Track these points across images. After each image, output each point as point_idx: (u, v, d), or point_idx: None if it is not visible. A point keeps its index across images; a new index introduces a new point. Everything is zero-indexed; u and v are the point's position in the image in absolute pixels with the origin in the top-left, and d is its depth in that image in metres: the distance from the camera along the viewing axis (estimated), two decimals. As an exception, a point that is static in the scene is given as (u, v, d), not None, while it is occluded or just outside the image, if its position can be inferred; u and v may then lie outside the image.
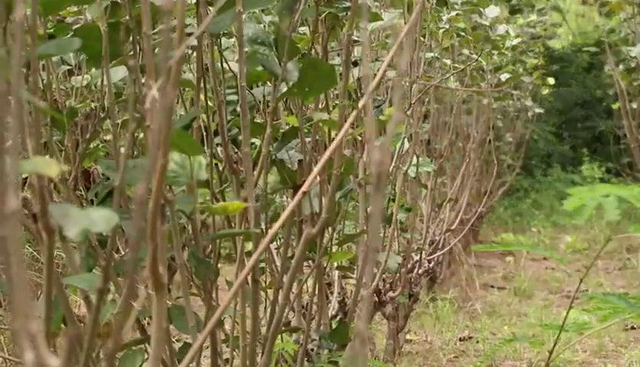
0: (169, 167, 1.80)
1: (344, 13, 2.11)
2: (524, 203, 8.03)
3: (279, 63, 1.88)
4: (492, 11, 4.02)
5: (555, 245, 6.54)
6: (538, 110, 6.44)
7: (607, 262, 6.01)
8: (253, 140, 2.36)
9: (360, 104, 1.77)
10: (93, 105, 2.32)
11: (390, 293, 3.43)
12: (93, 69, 2.90)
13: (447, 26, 3.38)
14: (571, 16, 8.23)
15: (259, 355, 2.14)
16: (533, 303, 5.02)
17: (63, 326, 1.90)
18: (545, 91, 6.09)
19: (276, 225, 1.68)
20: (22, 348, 0.80)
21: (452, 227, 4.37)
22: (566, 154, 8.88)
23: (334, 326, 2.72)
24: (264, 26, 2.22)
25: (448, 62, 3.72)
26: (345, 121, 2.05)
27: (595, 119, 8.68)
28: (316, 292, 2.52)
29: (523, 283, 5.40)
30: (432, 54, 3.31)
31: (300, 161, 2.41)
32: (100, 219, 1.26)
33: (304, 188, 1.70)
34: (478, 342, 4.24)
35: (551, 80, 5.21)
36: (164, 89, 1.39)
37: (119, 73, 2.21)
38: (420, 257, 3.67)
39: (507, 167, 6.68)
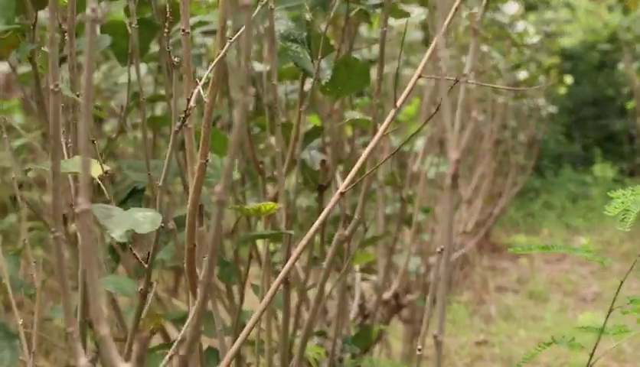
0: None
1: (373, 10, 2.05)
2: (535, 204, 7.93)
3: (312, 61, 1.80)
4: (511, 7, 3.94)
5: (568, 247, 6.43)
6: (552, 109, 6.35)
7: (623, 264, 5.91)
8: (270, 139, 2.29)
9: (399, 102, 1.70)
10: (113, 103, 2.25)
11: (408, 296, 3.35)
12: (103, 67, 2.84)
13: (467, 22, 3.30)
14: (581, 13, 8.13)
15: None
16: (549, 306, 4.93)
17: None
18: (562, 90, 6.00)
19: (313, 227, 1.61)
20: (107, 352, 0.74)
21: (468, 229, 4.29)
22: (577, 154, 8.79)
23: (354, 330, 2.65)
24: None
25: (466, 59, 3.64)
26: (376, 120, 1.97)
27: (607, 118, 8.59)
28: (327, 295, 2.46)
29: (537, 286, 5.31)
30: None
31: (322, 161, 2.34)
32: (145, 219, 1.19)
33: (341, 189, 1.63)
34: (494, 346, 4.17)
35: (568, 79, 5.12)
36: (210, 90, 1.30)
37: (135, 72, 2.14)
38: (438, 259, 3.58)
39: (520, 168, 6.59)
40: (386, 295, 2.96)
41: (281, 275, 1.60)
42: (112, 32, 1.81)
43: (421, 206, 3.19)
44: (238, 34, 1.25)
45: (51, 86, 0.95)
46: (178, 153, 1.64)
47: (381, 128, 1.68)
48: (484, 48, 3.93)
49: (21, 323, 1.49)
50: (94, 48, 0.76)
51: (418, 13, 2.31)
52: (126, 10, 1.96)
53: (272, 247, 2.20)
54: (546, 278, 5.55)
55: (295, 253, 1.52)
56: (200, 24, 2.29)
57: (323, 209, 2.25)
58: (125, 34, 1.89)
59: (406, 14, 2.23)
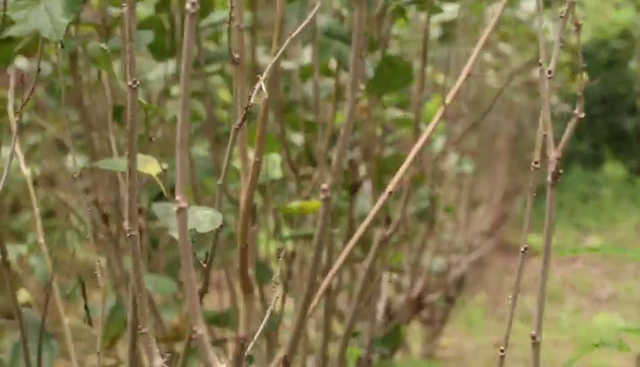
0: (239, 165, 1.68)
1: (408, 6, 2.02)
2: (545, 204, 7.85)
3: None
4: (529, 3, 3.91)
5: (579, 247, 6.41)
6: (566, 108, 6.30)
7: (636, 265, 5.88)
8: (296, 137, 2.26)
9: (448, 99, 1.66)
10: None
11: (430, 297, 3.32)
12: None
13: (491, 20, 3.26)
14: (589, 11, 8.10)
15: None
16: (564, 307, 4.90)
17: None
18: (575, 88, 5.96)
19: (360, 228, 1.57)
20: (204, 352, 0.71)
21: (486, 228, 4.26)
22: (586, 152, 8.74)
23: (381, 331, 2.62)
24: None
25: (488, 57, 3.61)
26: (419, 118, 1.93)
27: (617, 116, 8.54)
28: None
29: (552, 287, 5.27)
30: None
31: (351, 160, 2.30)
32: (205, 218, 1.15)
33: (390, 188, 1.59)
34: (512, 347, 4.13)
35: (584, 77, 5.07)
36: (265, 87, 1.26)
37: (160, 68, 2.11)
38: (458, 259, 3.56)
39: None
40: (411, 295, 2.93)
41: (327, 279, 1.57)
42: (149, 28, 1.78)
43: (444, 206, 3.16)
44: (298, 30, 1.21)
45: (129, 83, 0.92)
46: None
47: (429, 127, 1.65)
48: (505, 46, 3.89)
49: (67, 322, 1.45)
50: (191, 42, 0.72)
51: (450, 10, 2.29)
52: (157, 6, 1.93)
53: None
54: (560, 279, 5.51)
55: (341, 256, 1.49)
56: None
57: (354, 209, 2.23)
58: (162, 29, 1.86)
59: (440, 11, 2.20)
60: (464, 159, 3.35)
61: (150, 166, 1.20)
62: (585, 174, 8.57)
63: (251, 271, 1.50)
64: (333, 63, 2.11)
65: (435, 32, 3.43)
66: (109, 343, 1.81)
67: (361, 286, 1.77)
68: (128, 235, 0.95)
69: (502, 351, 0.93)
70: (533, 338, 0.93)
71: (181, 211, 0.74)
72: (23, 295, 1.98)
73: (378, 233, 1.78)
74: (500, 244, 5.66)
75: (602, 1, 7.96)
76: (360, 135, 2.44)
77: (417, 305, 3.31)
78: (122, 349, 1.98)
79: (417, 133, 1.87)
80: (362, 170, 2.39)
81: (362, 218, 2.36)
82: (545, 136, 0.93)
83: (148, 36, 1.62)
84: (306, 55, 2.23)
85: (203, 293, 1.24)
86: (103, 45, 1.08)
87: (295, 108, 2.15)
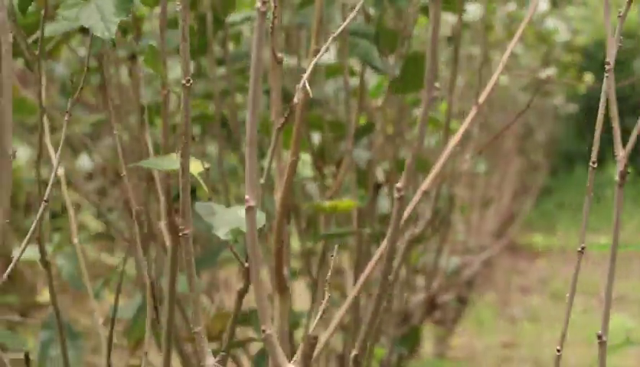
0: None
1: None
2: (549, 203, 7.89)
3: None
4: (540, 3, 3.91)
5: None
6: (572, 108, 6.32)
7: (643, 264, 5.89)
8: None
9: (481, 99, 1.66)
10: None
11: (443, 297, 3.32)
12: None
13: (505, 20, 3.26)
14: (593, 11, 8.10)
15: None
16: (573, 307, 4.88)
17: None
18: (582, 88, 5.96)
19: (389, 231, 1.56)
20: (273, 351, 0.71)
21: (496, 229, 4.26)
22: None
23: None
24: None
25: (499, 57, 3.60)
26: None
27: (620, 117, 8.48)
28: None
29: (559, 286, 5.28)
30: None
31: (369, 160, 2.30)
32: (250, 217, 1.15)
33: (424, 187, 1.59)
34: (521, 347, 4.14)
35: (588, 77, 5.09)
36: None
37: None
38: (470, 259, 3.56)
39: (537, 167, 6.55)
40: (426, 295, 2.93)
41: (360, 281, 1.56)
42: (176, 27, 1.77)
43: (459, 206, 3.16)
44: (339, 31, 1.20)
45: (183, 81, 0.92)
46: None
47: (462, 127, 1.64)
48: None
49: (101, 322, 1.45)
50: (261, 41, 0.72)
51: (473, 9, 2.29)
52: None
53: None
54: (567, 279, 5.49)
55: (373, 259, 1.48)
56: (250, 19, 2.25)
57: (375, 208, 2.22)
58: (190, 29, 1.85)
59: (463, 11, 2.19)
60: (478, 159, 3.35)
61: (192, 165, 1.20)
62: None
63: (286, 271, 1.50)
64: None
65: (444, 31, 3.43)
66: (134, 344, 1.80)
67: (389, 285, 1.76)
68: (181, 234, 0.95)
69: (559, 351, 0.92)
70: (599, 337, 0.92)
71: (251, 210, 0.73)
72: (45, 295, 1.97)
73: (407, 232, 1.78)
74: (507, 244, 5.66)
75: (602, 1, 7.95)
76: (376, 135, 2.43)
77: (431, 305, 3.31)
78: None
79: (447, 133, 1.87)
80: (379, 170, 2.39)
81: (381, 218, 2.36)
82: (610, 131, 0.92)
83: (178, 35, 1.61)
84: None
85: (244, 293, 1.23)
86: (153, 43, 1.07)
87: (314, 107, 2.15)
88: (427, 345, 3.75)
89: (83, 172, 2.72)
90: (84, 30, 1.63)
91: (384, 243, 1.50)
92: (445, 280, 3.20)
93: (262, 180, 1.23)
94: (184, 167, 0.94)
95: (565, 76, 4.62)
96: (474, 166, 3.37)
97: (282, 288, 1.44)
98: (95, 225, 3.19)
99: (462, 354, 4.04)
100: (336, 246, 2.07)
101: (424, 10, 1.97)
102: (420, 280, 2.86)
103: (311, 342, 0.77)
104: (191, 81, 0.94)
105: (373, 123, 2.24)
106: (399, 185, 0.71)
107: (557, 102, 6.12)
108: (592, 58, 8.48)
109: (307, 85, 1.19)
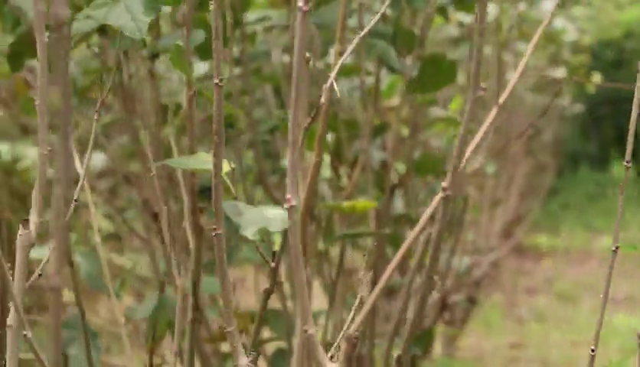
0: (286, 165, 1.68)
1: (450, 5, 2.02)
2: (553, 204, 7.87)
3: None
4: (548, 3, 3.90)
5: (590, 247, 6.41)
6: (578, 109, 6.31)
7: (650, 265, 5.87)
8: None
9: (501, 99, 1.65)
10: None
11: (454, 297, 3.32)
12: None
13: (516, 20, 3.26)
14: (596, 10, 8.09)
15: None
16: (580, 308, 4.90)
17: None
18: (590, 88, 5.95)
19: (416, 228, 1.56)
20: (314, 351, 0.70)
21: (504, 229, 4.26)
22: (593, 153, 8.73)
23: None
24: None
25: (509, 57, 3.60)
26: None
27: (624, 117, 8.46)
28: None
29: (566, 287, 5.27)
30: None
31: (383, 161, 2.29)
32: (276, 217, 1.15)
33: (444, 185, 1.58)
34: (528, 348, 4.13)
35: (597, 77, 5.07)
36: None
37: (200, 68, 2.10)
38: (479, 260, 3.56)
39: (544, 167, 6.54)
40: (438, 296, 2.93)
41: (382, 282, 1.56)
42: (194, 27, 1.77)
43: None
44: (366, 30, 1.20)
45: (215, 81, 0.92)
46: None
47: (483, 127, 1.64)
48: (524, 46, 3.88)
49: (123, 321, 1.45)
50: (304, 41, 0.72)
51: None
52: (201, 4, 1.92)
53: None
54: (573, 280, 5.51)
55: (398, 254, 1.48)
56: (264, 19, 2.25)
57: (390, 209, 2.22)
58: (207, 28, 1.85)
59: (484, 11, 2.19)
60: (488, 160, 3.34)
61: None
62: (592, 175, 8.56)
63: (308, 271, 1.50)
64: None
65: (453, 32, 3.43)
66: (153, 344, 1.79)
67: (407, 286, 1.76)
68: (214, 233, 0.94)
69: (593, 350, 0.92)
70: (640, 337, 0.92)
71: (292, 209, 0.73)
72: (66, 295, 1.97)
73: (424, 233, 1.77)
74: (513, 245, 5.65)
75: (605, 0, 7.96)
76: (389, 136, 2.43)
77: (442, 305, 3.31)
78: (167, 350, 1.97)
79: (466, 133, 1.86)
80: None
81: (395, 219, 2.36)
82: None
83: (199, 35, 1.61)
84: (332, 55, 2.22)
85: (270, 292, 1.23)
86: (179, 42, 1.07)
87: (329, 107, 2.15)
88: (436, 346, 3.75)
89: (94, 171, 2.72)
90: (101, 31, 1.63)
91: (405, 243, 1.50)
92: (456, 280, 3.20)
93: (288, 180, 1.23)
94: (217, 166, 0.93)
95: (573, 76, 4.61)
96: (483, 167, 3.37)
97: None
98: (105, 225, 3.18)
99: (470, 354, 4.04)
100: (347, 246, 2.07)
101: (441, 10, 1.98)
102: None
103: (353, 341, 0.76)
104: (224, 81, 0.93)
105: (388, 123, 2.24)
106: (444, 184, 0.71)
107: (564, 103, 6.11)
108: (597, 58, 8.47)
109: (335, 85, 1.19)
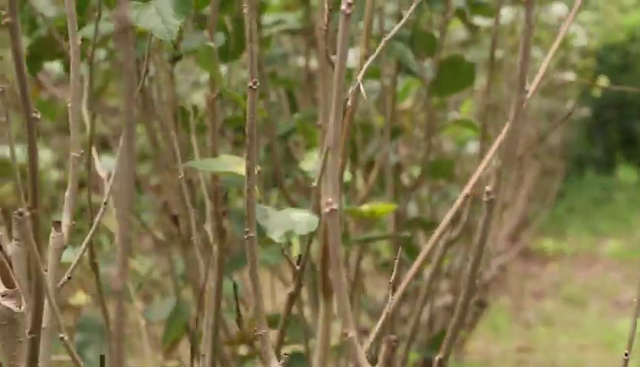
0: (309, 167, 1.68)
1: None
2: (559, 208, 7.86)
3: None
4: (558, 8, 3.90)
5: (596, 251, 6.40)
6: (585, 112, 6.31)
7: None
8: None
9: (527, 97, 1.65)
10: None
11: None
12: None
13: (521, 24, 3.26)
14: (601, 14, 8.09)
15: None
16: (587, 312, 4.89)
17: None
18: (596, 92, 5.96)
19: (437, 231, 1.56)
20: (355, 354, 0.70)
21: (511, 233, 4.26)
22: (598, 157, 8.73)
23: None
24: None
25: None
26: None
27: (629, 121, 8.52)
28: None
29: (572, 291, 5.26)
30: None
31: (397, 163, 2.29)
32: (301, 220, 1.15)
33: (466, 191, 1.58)
34: (536, 352, 4.13)
35: (603, 81, 5.07)
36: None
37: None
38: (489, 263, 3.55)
39: (552, 171, 6.54)
40: (449, 299, 2.93)
41: (404, 285, 1.56)
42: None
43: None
44: (394, 31, 1.20)
45: (250, 83, 0.92)
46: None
47: (505, 129, 1.64)
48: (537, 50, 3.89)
49: (144, 324, 1.45)
50: (345, 44, 0.72)
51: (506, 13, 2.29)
52: (221, 5, 1.92)
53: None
54: (580, 284, 5.50)
55: (414, 265, 1.48)
56: (279, 22, 2.25)
57: (406, 212, 2.22)
58: (226, 31, 1.85)
59: (495, 12, 2.19)
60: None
61: (242, 167, 1.20)
62: (598, 179, 8.56)
63: (332, 275, 1.50)
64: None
65: (460, 35, 3.43)
66: (170, 346, 1.80)
67: (427, 289, 1.76)
68: (246, 236, 0.94)
69: (626, 354, 0.92)
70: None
71: (332, 212, 0.73)
72: (80, 297, 1.98)
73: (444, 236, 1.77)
74: (521, 249, 5.65)
75: (608, 3, 7.96)
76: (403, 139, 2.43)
77: (452, 309, 3.31)
78: (184, 352, 1.97)
79: (484, 137, 1.87)
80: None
81: (408, 222, 2.36)
82: None
83: (219, 38, 1.61)
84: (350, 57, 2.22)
85: (295, 295, 1.23)
86: (209, 43, 1.07)
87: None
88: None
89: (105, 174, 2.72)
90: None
91: (427, 247, 1.50)
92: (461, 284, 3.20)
93: (315, 183, 1.23)
94: (251, 169, 0.93)
95: (581, 80, 4.62)
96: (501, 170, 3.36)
97: (328, 292, 1.44)
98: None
99: (478, 358, 4.04)
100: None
101: (459, 13, 1.97)
102: (443, 284, 2.86)
103: (392, 344, 0.76)
104: (257, 84, 0.93)
105: (403, 126, 2.24)
106: (488, 188, 0.70)
107: (570, 106, 6.11)
108: (602, 62, 8.47)
109: (362, 88, 1.19)
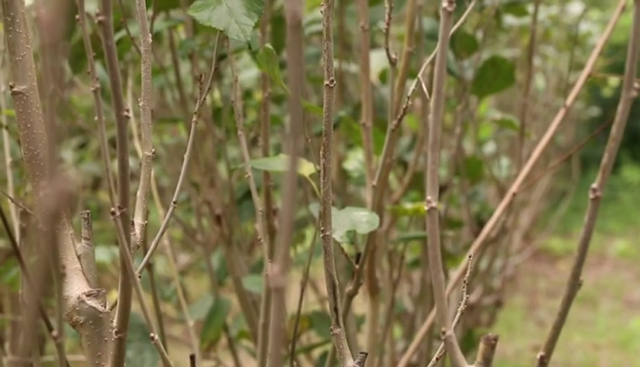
0: (352, 166, 1.67)
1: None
2: (564, 207, 7.85)
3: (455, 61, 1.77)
4: (575, 6, 3.90)
5: (604, 251, 6.41)
6: (595, 112, 6.31)
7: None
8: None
9: (569, 101, 1.65)
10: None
11: (484, 300, 3.31)
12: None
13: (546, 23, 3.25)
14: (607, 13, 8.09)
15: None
16: (599, 310, 4.89)
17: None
18: (607, 91, 5.95)
19: (485, 230, 1.56)
20: (453, 353, 0.70)
21: (526, 232, 4.25)
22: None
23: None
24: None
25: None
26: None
27: (634, 120, 8.53)
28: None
29: (584, 290, 5.26)
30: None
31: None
32: (362, 219, 1.14)
33: (514, 190, 1.58)
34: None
35: (614, 80, 5.07)
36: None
37: (253, 71, 2.10)
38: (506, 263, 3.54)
39: (561, 171, 6.54)
40: (473, 299, 2.92)
41: (450, 286, 1.56)
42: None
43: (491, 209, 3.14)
44: (442, 38, 1.20)
45: (326, 82, 0.91)
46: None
47: (550, 130, 1.64)
48: (548, 49, 3.89)
49: (192, 323, 1.44)
50: (446, 41, 0.72)
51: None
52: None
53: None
54: (590, 283, 5.50)
55: (462, 264, 1.47)
56: (313, 22, 2.25)
57: (444, 212, 2.22)
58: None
59: (526, 13, 2.19)
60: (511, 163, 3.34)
61: (305, 167, 1.20)
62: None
63: (378, 274, 1.50)
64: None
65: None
66: (207, 346, 1.79)
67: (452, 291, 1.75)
68: (322, 235, 0.94)
69: None
70: None
71: (432, 211, 0.73)
72: (112, 296, 1.97)
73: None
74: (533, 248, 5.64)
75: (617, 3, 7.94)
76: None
77: (469, 308, 3.30)
78: (222, 352, 1.97)
79: (522, 135, 1.87)
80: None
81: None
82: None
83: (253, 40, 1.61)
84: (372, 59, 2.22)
85: (353, 294, 1.23)
86: (268, 45, 1.07)
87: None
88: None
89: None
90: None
91: (473, 247, 1.50)
92: (484, 283, 3.20)
93: (374, 183, 1.23)
94: (326, 168, 0.93)
95: (599, 79, 4.60)
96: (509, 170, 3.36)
97: (374, 290, 1.44)
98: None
99: (494, 357, 4.04)
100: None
101: (498, 14, 1.97)
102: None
103: (491, 343, 0.76)
104: (334, 82, 0.93)
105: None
106: (594, 185, 0.70)
107: (579, 106, 6.11)
108: (608, 60, 8.45)
109: (423, 85, 1.19)
